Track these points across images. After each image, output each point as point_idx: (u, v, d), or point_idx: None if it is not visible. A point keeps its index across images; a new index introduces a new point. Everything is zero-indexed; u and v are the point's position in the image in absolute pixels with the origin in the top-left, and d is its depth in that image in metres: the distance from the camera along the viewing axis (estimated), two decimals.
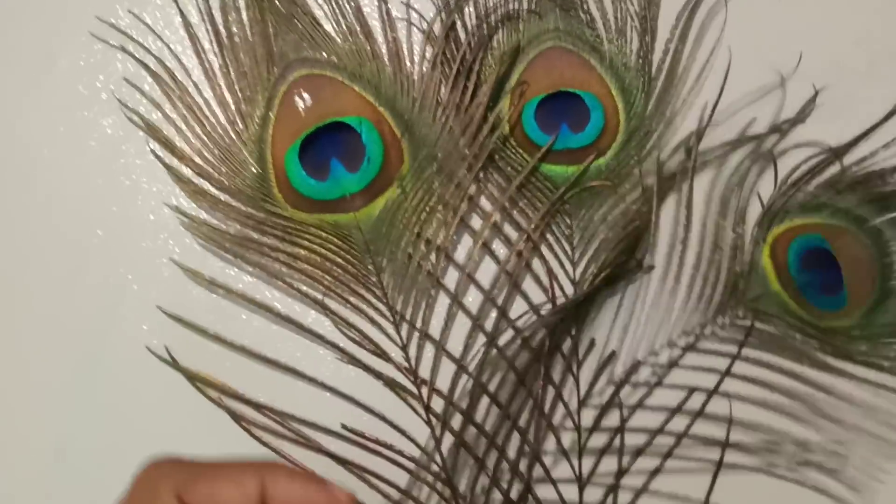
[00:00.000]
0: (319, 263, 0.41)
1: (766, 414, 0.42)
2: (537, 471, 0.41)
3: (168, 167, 0.42)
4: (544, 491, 0.41)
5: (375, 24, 0.44)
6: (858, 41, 0.44)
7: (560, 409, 0.41)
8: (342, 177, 0.42)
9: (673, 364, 0.41)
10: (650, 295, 0.43)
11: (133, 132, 0.43)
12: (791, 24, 0.44)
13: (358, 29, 0.43)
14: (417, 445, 0.41)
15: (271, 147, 0.42)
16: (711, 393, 0.41)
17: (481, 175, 0.43)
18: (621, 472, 0.41)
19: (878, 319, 0.42)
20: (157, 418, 0.41)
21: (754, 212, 0.43)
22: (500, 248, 0.42)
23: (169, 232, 0.42)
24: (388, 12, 0.43)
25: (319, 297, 0.41)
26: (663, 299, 0.43)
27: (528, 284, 0.42)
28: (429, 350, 0.41)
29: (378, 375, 0.41)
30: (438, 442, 0.41)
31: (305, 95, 0.43)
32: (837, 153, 0.43)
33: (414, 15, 0.43)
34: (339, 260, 0.42)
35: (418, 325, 0.42)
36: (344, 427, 0.40)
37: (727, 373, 0.41)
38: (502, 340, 0.41)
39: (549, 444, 0.41)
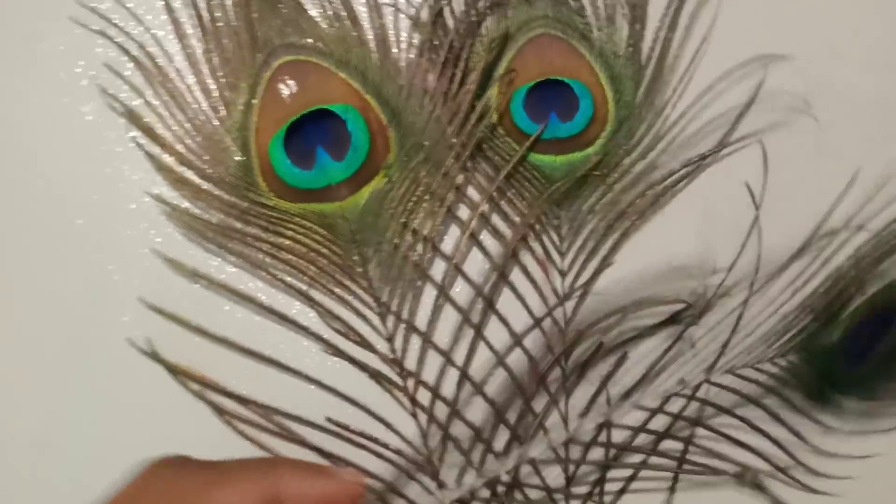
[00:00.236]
0: (304, 254, 0.41)
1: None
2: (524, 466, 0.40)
3: (150, 155, 0.41)
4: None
5: (362, 10, 0.43)
6: (855, 31, 0.44)
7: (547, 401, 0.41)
8: (328, 165, 0.42)
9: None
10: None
11: (114, 119, 0.42)
12: (784, 12, 0.44)
13: (344, 14, 0.43)
14: (403, 438, 0.40)
15: (255, 135, 0.42)
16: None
17: (469, 164, 0.42)
18: (608, 465, 0.41)
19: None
20: (139, 411, 0.41)
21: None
22: (487, 238, 0.42)
23: (150, 221, 0.41)
24: None
25: (304, 287, 0.41)
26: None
27: (516, 275, 0.42)
28: (415, 342, 0.41)
29: (363, 367, 0.40)
30: (425, 435, 0.40)
31: (290, 82, 0.42)
32: None
33: (401, 0, 0.42)
34: (324, 250, 0.41)
35: (404, 316, 0.41)
36: (329, 420, 0.40)
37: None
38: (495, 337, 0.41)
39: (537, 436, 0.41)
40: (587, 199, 0.42)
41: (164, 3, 0.41)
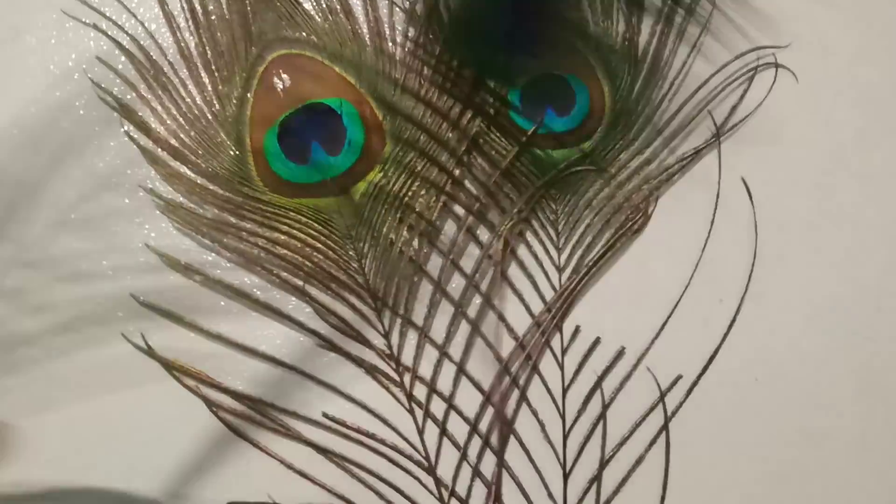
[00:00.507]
0: (299, 249, 0.41)
1: None
2: (521, 459, 0.40)
3: (143, 149, 0.41)
4: (528, 478, 0.40)
5: (356, 4, 0.43)
6: (848, 24, 0.44)
7: (545, 397, 0.41)
8: (323, 160, 0.42)
9: None
10: None
11: (107, 113, 0.41)
12: (781, 4, 0.44)
13: (338, 8, 0.42)
14: (399, 434, 0.40)
15: (249, 129, 0.41)
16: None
17: (465, 159, 0.42)
18: (604, 463, 0.41)
19: None
20: (133, 407, 0.40)
21: None
22: (484, 233, 0.42)
23: (144, 216, 0.41)
24: None
25: (299, 283, 0.40)
26: None
27: (513, 270, 0.42)
28: (411, 337, 0.41)
29: (359, 363, 0.40)
30: (421, 430, 0.40)
31: (284, 76, 0.42)
32: None
33: None
34: (320, 245, 0.41)
35: (400, 311, 0.41)
36: (325, 415, 0.40)
37: None
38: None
39: (535, 432, 0.41)
40: (584, 193, 0.42)
41: None
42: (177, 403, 0.40)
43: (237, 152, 0.41)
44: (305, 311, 0.41)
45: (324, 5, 0.42)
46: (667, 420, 0.41)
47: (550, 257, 0.42)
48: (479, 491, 0.40)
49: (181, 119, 0.41)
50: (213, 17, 0.42)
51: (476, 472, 0.40)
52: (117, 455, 0.40)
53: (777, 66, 0.43)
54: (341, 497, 0.40)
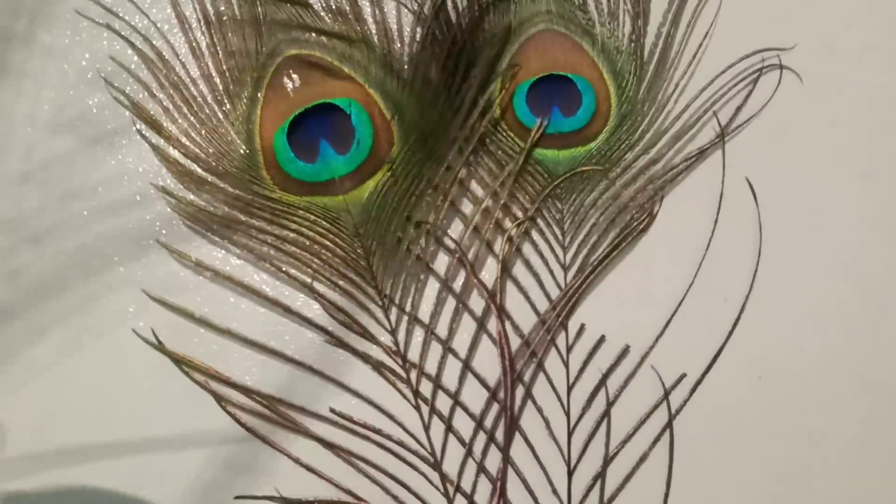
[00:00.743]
0: (308, 246, 0.41)
1: None
2: (526, 455, 0.41)
3: (155, 147, 0.41)
4: (532, 475, 0.41)
5: (365, 5, 0.43)
6: (853, 25, 0.44)
7: (550, 394, 0.41)
8: (331, 159, 0.42)
9: None
10: None
11: (119, 112, 0.42)
12: (785, 6, 0.44)
13: (348, 9, 0.43)
14: (405, 430, 0.40)
15: (259, 128, 0.42)
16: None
17: (472, 158, 0.42)
18: (608, 460, 0.41)
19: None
20: (143, 401, 0.41)
21: None
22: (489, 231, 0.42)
23: (156, 213, 0.42)
24: None
25: (308, 280, 0.41)
26: None
27: (519, 269, 0.42)
28: (418, 334, 0.41)
29: (367, 359, 0.41)
30: (427, 426, 0.41)
31: (294, 76, 0.42)
32: None
33: None
34: (328, 243, 0.41)
35: (407, 308, 0.41)
36: (332, 411, 0.40)
37: None
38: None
39: (539, 429, 0.41)
40: (589, 193, 0.42)
41: None
42: (186, 398, 0.40)
43: (247, 151, 0.42)
44: (314, 308, 0.41)
45: (333, 6, 0.43)
46: (671, 418, 0.41)
47: (556, 256, 0.42)
48: (485, 487, 0.40)
49: (192, 118, 0.42)
50: (224, 18, 0.42)
51: (481, 468, 0.40)
52: (127, 449, 0.40)
53: (781, 67, 0.44)
54: (348, 492, 0.40)
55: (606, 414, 0.41)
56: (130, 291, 0.41)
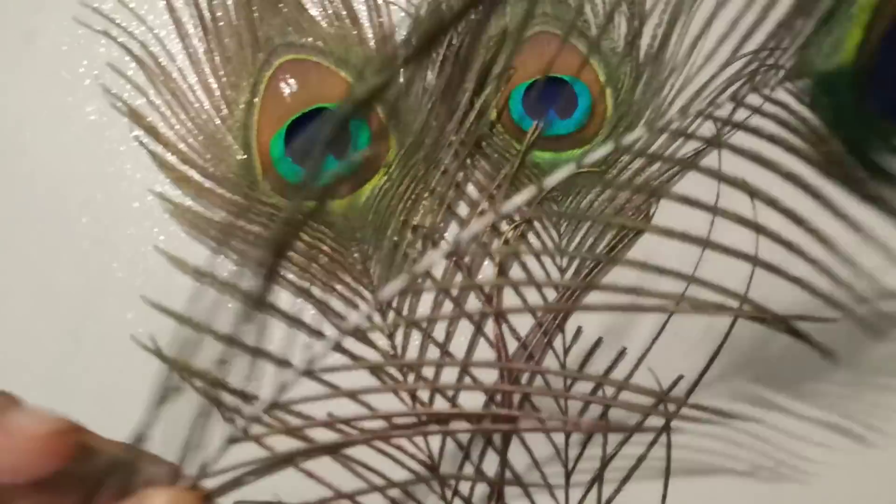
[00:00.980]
0: (305, 251, 0.41)
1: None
2: (524, 459, 0.41)
3: (152, 153, 0.42)
4: (530, 478, 0.41)
5: (361, 9, 0.43)
6: None
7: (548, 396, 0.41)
8: (328, 163, 0.42)
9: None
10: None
11: (117, 118, 0.42)
12: (780, 7, 0.44)
13: (344, 13, 0.43)
14: (404, 434, 0.40)
15: (256, 133, 0.42)
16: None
17: (468, 162, 0.42)
18: (605, 463, 0.41)
19: None
20: (142, 407, 0.41)
21: None
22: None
23: (153, 219, 0.42)
24: None
25: (305, 284, 0.41)
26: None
27: (516, 272, 0.42)
28: (415, 338, 0.41)
29: (364, 363, 0.41)
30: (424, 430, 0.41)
31: (291, 81, 0.43)
32: None
33: None
34: (325, 248, 0.41)
35: (404, 313, 0.41)
36: (330, 416, 0.40)
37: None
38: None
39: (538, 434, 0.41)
40: (586, 195, 0.42)
41: (165, 2, 0.42)
42: (185, 404, 0.40)
43: (244, 156, 0.42)
44: (310, 313, 0.41)
45: (330, 11, 0.43)
46: (668, 420, 0.41)
47: (553, 258, 0.42)
48: (483, 490, 0.40)
49: (190, 124, 0.42)
50: (221, 24, 0.43)
51: (479, 472, 0.40)
52: None
53: (778, 66, 0.43)
54: (346, 496, 0.40)
55: (604, 416, 0.41)
56: (129, 298, 0.41)
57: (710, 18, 0.43)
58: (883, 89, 0.29)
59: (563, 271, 0.42)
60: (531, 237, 0.42)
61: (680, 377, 0.41)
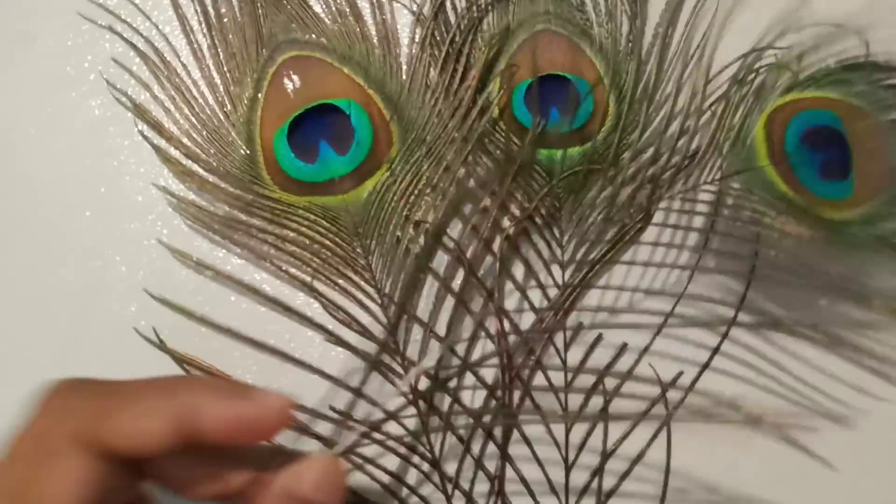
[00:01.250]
0: (308, 246, 0.41)
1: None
2: (524, 453, 0.41)
3: (156, 148, 0.42)
4: (531, 472, 0.41)
5: (365, 6, 0.43)
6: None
7: (548, 392, 0.41)
8: (331, 159, 0.42)
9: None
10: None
11: (121, 113, 0.43)
12: (781, 6, 0.44)
13: (347, 10, 0.43)
14: (405, 427, 0.41)
15: (260, 129, 0.42)
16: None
17: (470, 158, 0.42)
18: (606, 457, 0.41)
19: (886, 221, 0.37)
20: None
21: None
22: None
23: (156, 213, 0.42)
24: None
25: (308, 279, 0.41)
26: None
27: (517, 268, 0.42)
28: (417, 332, 0.41)
29: (366, 357, 0.41)
30: (426, 424, 0.41)
31: (294, 77, 0.43)
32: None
33: None
34: (328, 242, 0.42)
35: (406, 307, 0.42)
36: (331, 409, 0.40)
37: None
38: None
39: (537, 426, 0.41)
40: (587, 192, 0.43)
41: None
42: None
43: (248, 151, 0.42)
44: (313, 307, 0.41)
45: (333, 8, 0.43)
46: (668, 414, 0.41)
47: (554, 254, 0.42)
48: (483, 484, 0.41)
49: (193, 119, 0.42)
50: (225, 20, 0.43)
51: (479, 466, 0.41)
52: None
53: (778, 66, 0.44)
54: (348, 489, 0.40)
55: (604, 411, 0.41)
56: (132, 291, 0.41)
57: (712, 17, 0.44)
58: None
59: (564, 267, 0.42)
60: (533, 233, 0.43)
61: (680, 373, 0.42)
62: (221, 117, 0.42)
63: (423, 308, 0.42)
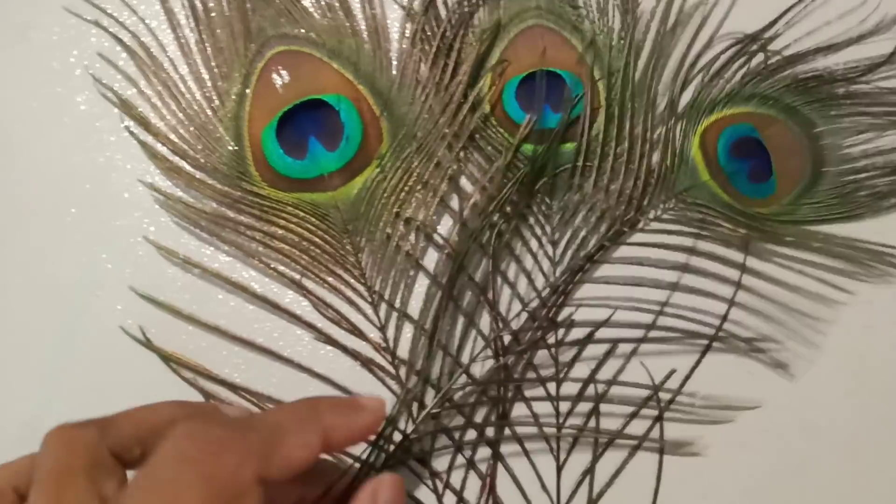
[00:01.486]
0: (297, 243, 0.41)
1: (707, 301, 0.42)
2: (515, 451, 0.41)
3: (143, 144, 0.41)
4: (522, 470, 0.40)
5: (354, 1, 0.43)
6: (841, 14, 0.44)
7: (539, 390, 0.41)
8: (320, 155, 0.42)
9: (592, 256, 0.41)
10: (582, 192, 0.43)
11: (107, 109, 0.42)
12: (774, 3, 0.44)
13: (337, 5, 0.43)
14: (395, 426, 0.40)
15: (248, 124, 0.42)
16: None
17: (461, 154, 0.42)
18: (597, 455, 0.41)
19: (803, 204, 0.43)
20: (131, 399, 0.41)
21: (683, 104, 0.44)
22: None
23: (143, 210, 0.42)
24: None
25: (297, 276, 0.41)
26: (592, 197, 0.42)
27: (510, 268, 0.42)
28: (407, 331, 0.41)
29: (356, 356, 0.41)
30: (416, 422, 0.40)
31: (283, 72, 0.42)
32: (757, 39, 0.44)
33: None
34: (317, 239, 0.41)
35: (396, 305, 0.41)
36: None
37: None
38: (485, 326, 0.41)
39: (529, 424, 0.41)
40: (579, 188, 0.42)
41: None
42: (174, 395, 0.40)
43: (236, 147, 0.42)
44: (302, 305, 0.41)
45: (322, 2, 0.43)
46: (660, 412, 0.41)
47: (545, 252, 0.42)
48: (474, 483, 0.40)
49: (181, 114, 0.42)
50: (212, 14, 0.42)
51: (471, 464, 0.40)
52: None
53: (768, 54, 0.44)
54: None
55: (595, 409, 0.41)
56: (118, 288, 0.41)
57: (707, 13, 0.43)
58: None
59: (555, 264, 0.42)
60: (524, 230, 0.42)
61: (672, 371, 0.41)
62: (209, 113, 0.42)
63: (414, 306, 0.41)
